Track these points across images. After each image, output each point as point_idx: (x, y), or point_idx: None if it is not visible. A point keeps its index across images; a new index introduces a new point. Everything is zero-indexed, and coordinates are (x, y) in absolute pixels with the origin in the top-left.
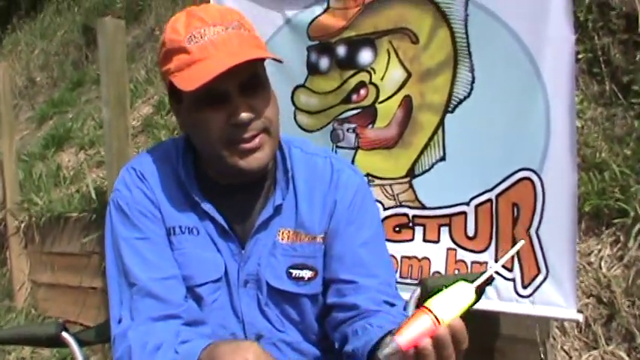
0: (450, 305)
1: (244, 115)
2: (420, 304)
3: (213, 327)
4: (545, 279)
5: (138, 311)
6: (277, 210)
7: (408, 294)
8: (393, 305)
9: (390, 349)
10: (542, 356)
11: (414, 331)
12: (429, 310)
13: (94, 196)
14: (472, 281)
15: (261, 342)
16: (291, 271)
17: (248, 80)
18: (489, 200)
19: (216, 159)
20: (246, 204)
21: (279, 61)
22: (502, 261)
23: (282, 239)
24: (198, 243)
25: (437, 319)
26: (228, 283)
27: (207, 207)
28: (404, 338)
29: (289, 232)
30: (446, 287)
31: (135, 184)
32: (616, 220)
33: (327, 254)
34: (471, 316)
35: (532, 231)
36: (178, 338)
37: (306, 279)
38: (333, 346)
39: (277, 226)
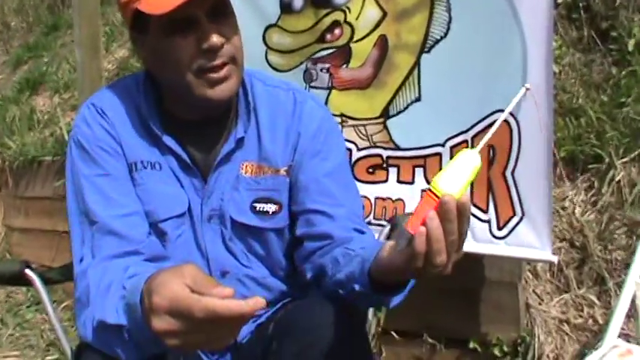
0: (454, 177)
1: (215, 39)
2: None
3: (176, 263)
4: (520, 220)
5: (99, 249)
6: (239, 143)
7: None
8: (363, 233)
9: (404, 240)
10: (514, 299)
11: (420, 212)
12: (431, 190)
13: (67, 139)
14: None
15: (227, 278)
16: (255, 205)
17: (217, 5)
18: (465, 141)
19: (183, 89)
20: (209, 138)
21: None
22: (508, 109)
23: (246, 173)
24: (161, 178)
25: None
26: (192, 218)
27: (168, 141)
28: (412, 223)
29: (252, 165)
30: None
31: (95, 120)
32: (591, 166)
33: (293, 187)
34: None
35: (508, 173)
36: (126, 273)
37: (270, 213)
38: (301, 281)
39: (240, 159)
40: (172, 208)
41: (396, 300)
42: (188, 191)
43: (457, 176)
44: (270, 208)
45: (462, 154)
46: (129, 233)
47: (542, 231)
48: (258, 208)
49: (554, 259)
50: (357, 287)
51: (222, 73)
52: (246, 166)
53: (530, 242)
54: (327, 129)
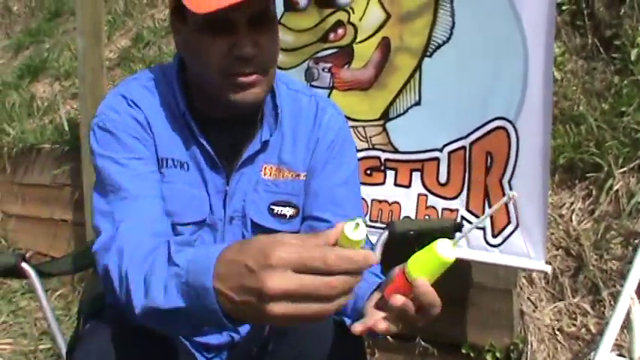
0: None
1: (249, 50)
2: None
3: None
4: (515, 229)
5: (129, 217)
6: (264, 146)
7: (376, 237)
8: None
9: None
10: (508, 306)
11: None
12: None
13: (66, 127)
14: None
15: None
16: (272, 207)
17: (259, 14)
18: (463, 148)
19: (209, 87)
20: (234, 138)
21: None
22: (487, 214)
23: (265, 175)
24: (188, 180)
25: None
26: (213, 220)
27: (201, 138)
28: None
29: (272, 168)
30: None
31: (125, 109)
32: (589, 174)
33: (305, 192)
34: None
35: (504, 181)
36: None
37: (287, 217)
38: None
39: (262, 162)
40: (194, 213)
41: None
42: (211, 193)
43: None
44: (288, 211)
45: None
46: (159, 217)
47: (537, 240)
48: (276, 211)
49: (548, 269)
50: (346, 320)
51: (251, 79)
52: (266, 169)
53: (525, 251)
54: (343, 138)
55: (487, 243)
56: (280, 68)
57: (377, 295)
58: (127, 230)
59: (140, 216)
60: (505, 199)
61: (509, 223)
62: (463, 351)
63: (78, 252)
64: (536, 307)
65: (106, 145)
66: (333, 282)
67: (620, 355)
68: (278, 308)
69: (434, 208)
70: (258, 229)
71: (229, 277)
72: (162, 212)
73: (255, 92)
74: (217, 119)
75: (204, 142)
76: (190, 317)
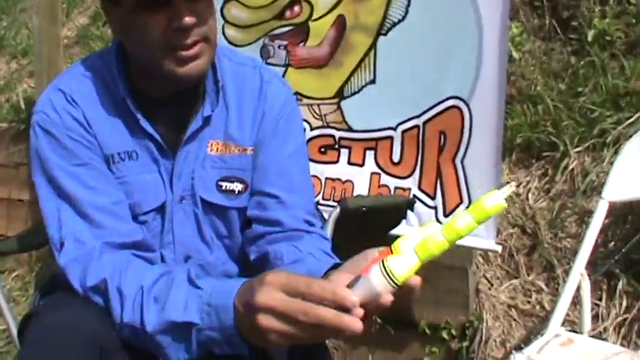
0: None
1: (187, 20)
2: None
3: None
4: (466, 209)
5: (95, 236)
6: (206, 121)
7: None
8: (312, 225)
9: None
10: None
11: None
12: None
13: (23, 106)
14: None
15: (189, 263)
16: (220, 183)
17: None
18: (416, 127)
19: (152, 65)
20: (178, 117)
21: None
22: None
23: (212, 151)
24: (139, 168)
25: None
26: (164, 201)
27: (145, 124)
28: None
29: (219, 143)
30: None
31: (64, 108)
32: (546, 154)
33: (253, 166)
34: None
35: (457, 160)
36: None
37: (236, 192)
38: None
39: (208, 137)
40: (153, 199)
41: None
42: (163, 174)
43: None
44: (237, 187)
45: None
46: (120, 224)
47: (488, 221)
48: (224, 187)
49: (498, 248)
50: None
51: (193, 51)
52: (213, 144)
53: (476, 231)
54: (290, 110)
55: (438, 222)
56: (235, 45)
57: (344, 276)
58: (99, 246)
59: (105, 228)
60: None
61: (460, 202)
62: (419, 328)
63: (25, 232)
64: (491, 285)
65: (52, 150)
66: (311, 310)
67: (572, 330)
68: (270, 337)
69: (386, 187)
70: (207, 206)
71: (241, 299)
72: (122, 216)
73: (199, 64)
74: (160, 99)
75: (148, 126)
76: (201, 336)
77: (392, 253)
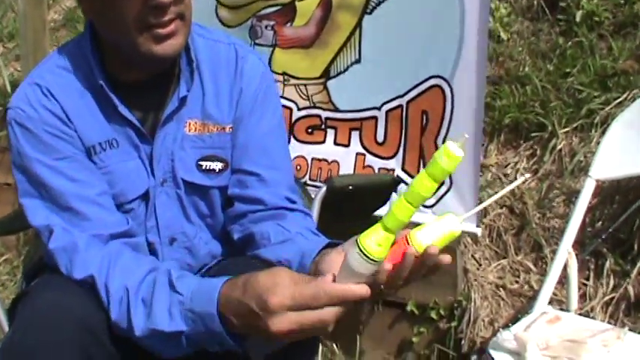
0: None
1: None
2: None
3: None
4: (448, 190)
5: (82, 228)
6: (182, 102)
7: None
8: (294, 202)
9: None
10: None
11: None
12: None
13: (9, 89)
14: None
15: (174, 246)
16: (200, 163)
17: None
18: (400, 106)
19: (127, 46)
20: (154, 100)
21: None
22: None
23: (190, 131)
24: (121, 156)
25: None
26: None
27: (123, 110)
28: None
29: (196, 123)
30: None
31: (40, 102)
32: (534, 134)
33: (232, 144)
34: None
35: (439, 140)
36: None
37: (217, 171)
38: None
39: (185, 118)
40: (137, 186)
41: None
42: (144, 159)
43: (433, 235)
44: (217, 165)
45: (448, 217)
46: (106, 215)
47: (469, 201)
48: (204, 167)
49: (478, 231)
50: None
51: (169, 28)
52: (190, 124)
53: (457, 212)
54: (267, 86)
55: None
56: (227, 26)
57: (336, 256)
58: (84, 239)
59: (92, 220)
60: (521, 179)
61: (442, 184)
62: (408, 309)
63: (6, 217)
64: (480, 265)
65: (31, 146)
66: (324, 316)
67: (561, 309)
68: (283, 338)
69: (371, 167)
70: (189, 187)
71: (237, 314)
72: (108, 208)
73: (176, 42)
74: (136, 84)
75: (127, 112)
76: (190, 340)
77: None
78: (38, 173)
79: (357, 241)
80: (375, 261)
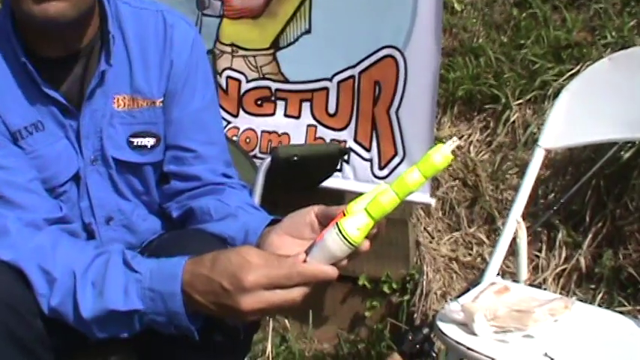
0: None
1: None
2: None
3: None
4: (401, 161)
5: (16, 216)
6: (103, 77)
7: None
8: (230, 177)
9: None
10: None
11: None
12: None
13: None
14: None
15: (112, 225)
16: (131, 139)
17: None
18: (352, 77)
19: (15, 7)
20: (79, 76)
21: None
22: None
23: (119, 107)
24: (47, 139)
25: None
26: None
27: (46, 89)
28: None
29: (125, 98)
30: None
31: None
32: (487, 106)
33: (165, 119)
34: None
35: (392, 111)
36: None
37: (149, 147)
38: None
39: (112, 93)
40: (67, 169)
41: None
42: (72, 139)
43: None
44: (149, 141)
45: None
46: (38, 201)
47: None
48: (135, 143)
49: (432, 201)
50: None
51: None
52: (119, 100)
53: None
54: (198, 55)
55: (374, 175)
56: None
57: (275, 239)
58: (16, 224)
59: (25, 207)
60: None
61: (395, 154)
62: (360, 283)
63: None
64: (432, 238)
65: None
66: (293, 295)
67: (513, 281)
68: (251, 317)
69: (322, 139)
70: (121, 164)
71: (203, 292)
72: (40, 192)
73: (58, 6)
74: (59, 60)
75: (49, 90)
76: (144, 320)
77: (345, 216)
78: None
79: (337, 224)
80: (352, 245)
